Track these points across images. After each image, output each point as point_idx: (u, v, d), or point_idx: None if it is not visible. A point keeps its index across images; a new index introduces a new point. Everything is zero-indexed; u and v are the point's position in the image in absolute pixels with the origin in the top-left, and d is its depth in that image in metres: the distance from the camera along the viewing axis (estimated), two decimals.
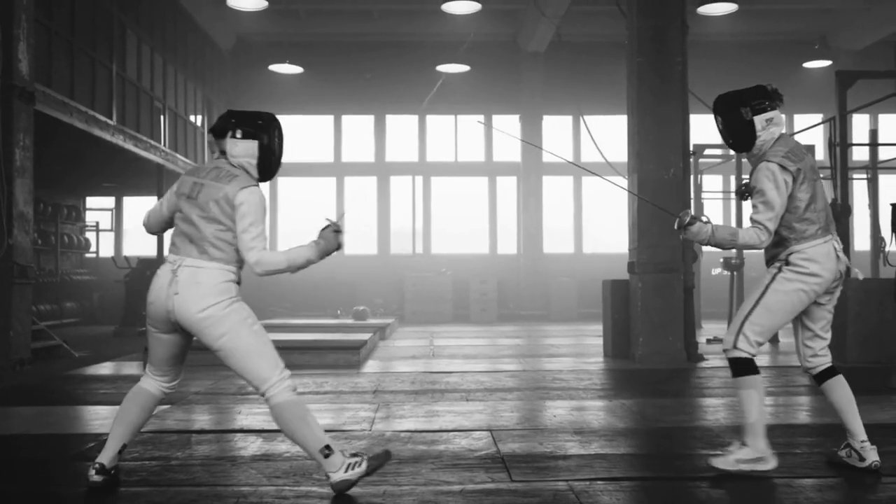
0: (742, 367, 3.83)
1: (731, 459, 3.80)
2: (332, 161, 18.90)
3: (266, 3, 14.18)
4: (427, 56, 17.97)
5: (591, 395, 6.34)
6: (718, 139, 17.81)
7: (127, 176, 14.63)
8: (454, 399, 6.14)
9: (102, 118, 11.06)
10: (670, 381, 7.19)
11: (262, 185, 3.68)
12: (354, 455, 3.55)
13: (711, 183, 17.14)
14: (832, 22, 17.76)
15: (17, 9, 8.23)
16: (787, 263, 3.82)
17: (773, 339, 10.78)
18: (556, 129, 18.89)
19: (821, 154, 16.10)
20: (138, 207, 18.66)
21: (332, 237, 3.60)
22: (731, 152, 13.25)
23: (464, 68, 17.83)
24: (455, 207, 19.03)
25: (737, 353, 3.84)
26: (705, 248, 14.03)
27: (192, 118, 15.97)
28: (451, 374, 7.67)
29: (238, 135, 3.62)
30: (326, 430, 4.83)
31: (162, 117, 14.04)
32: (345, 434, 4.78)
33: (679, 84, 8.79)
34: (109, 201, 18.72)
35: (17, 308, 8.08)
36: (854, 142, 15.23)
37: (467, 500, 3.42)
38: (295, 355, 8.42)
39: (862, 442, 3.82)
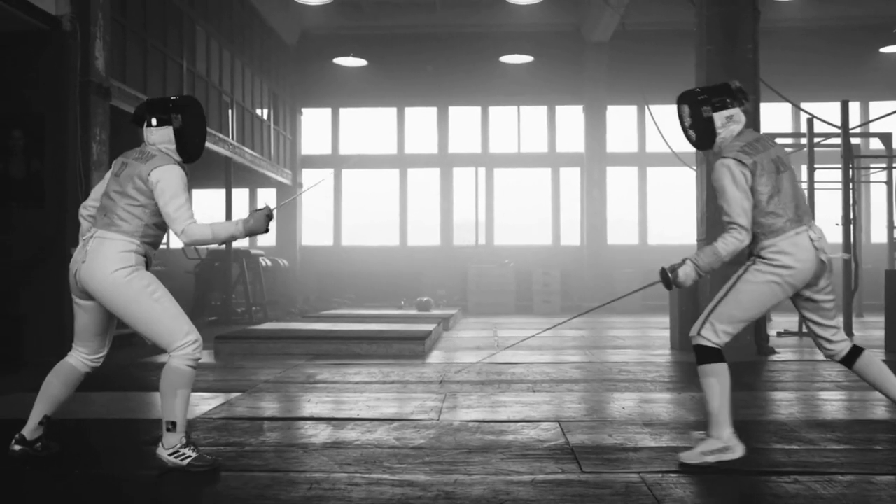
0: (706, 355, 3.84)
1: (696, 453, 3.80)
2: (396, 153, 19.01)
3: None
4: (490, 47, 17.94)
5: (660, 388, 6.26)
6: (790, 127, 17.42)
7: (195, 168, 14.83)
8: (520, 390, 6.12)
9: None
10: (741, 374, 7.02)
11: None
12: (190, 447, 3.69)
13: None
14: None
15: (94, 8, 8.48)
16: (760, 257, 3.79)
17: (848, 333, 10.48)
18: (620, 119, 18.66)
19: None
20: (207, 200, 19.09)
21: (262, 219, 3.79)
22: (803, 140, 12.89)
23: (527, 59, 17.74)
24: (518, 198, 18.97)
25: (701, 341, 3.84)
26: None
27: (258, 112, 16.24)
28: (516, 364, 7.65)
29: (153, 122, 3.80)
30: (393, 419, 4.90)
31: (230, 111, 14.32)
32: (413, 423, 4.81)
33: (750, 72, 8.57)
34: None
35: None
36: None
37: (538, 490, 3.41)
38: (362, 345, 8.52)
39: None
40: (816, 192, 11.63)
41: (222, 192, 14.42)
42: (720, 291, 3.91)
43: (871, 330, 11.15)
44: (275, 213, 3.85)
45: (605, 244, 18.04)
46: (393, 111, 19.04)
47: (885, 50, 17.61)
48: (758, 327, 8.35)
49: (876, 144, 15.61)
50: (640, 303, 16.85)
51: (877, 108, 17.75)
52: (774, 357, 8.13)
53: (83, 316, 3.87)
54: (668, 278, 3.92)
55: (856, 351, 3.88)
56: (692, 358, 7.87)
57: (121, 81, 9.68)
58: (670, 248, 17.55)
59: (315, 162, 19.19)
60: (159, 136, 3.80)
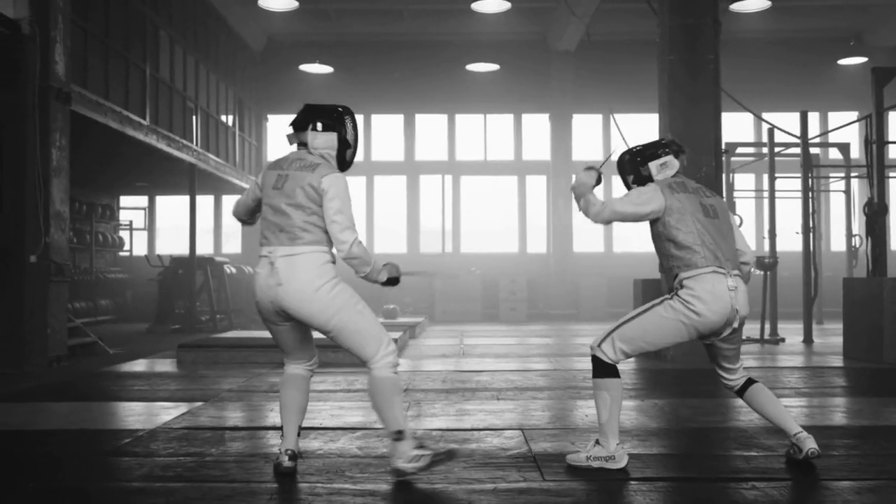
0: (602, 368, 3.97)
1: (581, 456, 3.93)
2: (362, 160, 18.96)
3: (296, 4, 14.28)
4: (456, 55, 18.00)
5: (623, 395, 6.29)
6: (751, 137, 17.68)
7: (160, 175, 14.81)
8: (485, 398, 6.13)
9: (136, 118, 11.21)
10: (703, 381, 7.11)
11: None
12: (421, 447, 3.66)
13: (744, 182, 16.98)
14: (868, 18, 17.50)
15: (54, 11, 8.36)
16: (678, 295, 3.89)
17: (808, 340, 10.64)
18: (585, 128, 18.81)
19: (856, 152, 15.87)
20: (171, 206, 18.88)
21: (393, 271, 3.78)
22: (764, 150, 13.09)
23: (493, 67, 17.82)
24: (485, 206, 19.03)
25: (598, 354, 3.98)
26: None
27: (223, 118, 16.12)
28: (481, 372, 7.67)
29: (318, 127, 3.79)
30: (357, 428, 4.89)
31: (194, 117, 14.19)
32: (376, 432, 4.80)
33: (711, 82, 8.70)
34: (143, 200, 18.97)
35: (54, 305, 8.21)
36: (891, 139, 14.99)
37: (500, 498, 3.41)
38: (327, 353, 8.45)
39: (796, 435, 3.93)
40: (777, 202, 11.81)
41: (186, 198, 14.29)
42: (631, 312, 4.03)
43: (829, 336, 11.34)
44: (400, 280, 3.85)
45: (570, 252, 18.15)
46: (359, 118, 18.96)
47: (843, 62, 17.96)
48: None
49: (835, 154, 15.90)
50: (606, 310, 16.98)
51: (835, 118, 18.10)
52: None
53: (284, 336, 3.82)
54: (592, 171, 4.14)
55: (748, 382, 4.08)
56: (656, 365, 7.99)
57: (81, 86, 9.55)
58: (635, 256, 17.74)
59: None
60: (324, 141, 3.77)
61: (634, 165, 4.13)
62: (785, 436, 4.04)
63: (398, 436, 3.63)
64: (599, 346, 3.98)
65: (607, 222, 4.04)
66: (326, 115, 3.80)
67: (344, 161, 3.84)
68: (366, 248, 3.67)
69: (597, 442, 3.94)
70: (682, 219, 3.88)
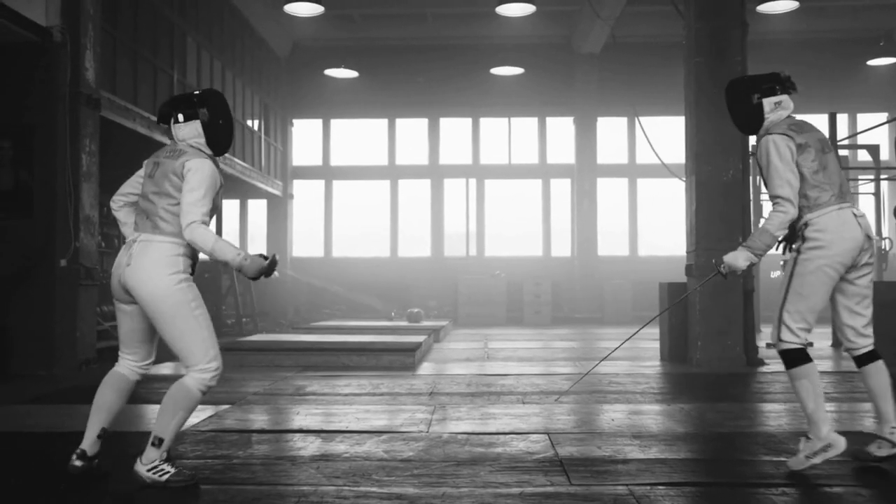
0: (792, 358, 3.86)
1: (800, 458, 3.83)
2: (387, 164, 19.04)
3: (322, 9, 14.34)
4: (481, 59, 18.00)
5: (649, 399, 6.26)
6: None
7: None
8: (510, 402, 6.12)
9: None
10: (730, 385, 7.06)
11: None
12: (169, 462, 3.63)
13: None
14: None
15: (84, 18, 8.47)
16: (804, 240, 3.81)
17: (836, 343, 10.52)
18: (610, 131, 18.74)
19: (886, 154, 15.66)
20: None
21: (257, 264, 3.65)
22: None
23: (518, 71, 17.81)
24: (509, 210, 19.01)
25: (784, 346, 3.87)
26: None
27: (249, 123, 16.24)
28: (506, 376, 7.65)
29: (180, 119, 3.80)
30: (382, 432, 4.89)
31: None
32: (402, 435, 4.80)
33: None
34: None
35: (83, 309, 8.31)
36: None
37: (526, 502, 3.40)
38: (352, 357, 8.50)
39: (892, 427, 3.87)
40: None
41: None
42: (780, 293, 3.92)
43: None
44: (275, 274, 3.74)
45: (595, 255, 18.07)
46: (384, 122, 19.07)
47: (872, 62, 17.74)
48: (746, 338, 8.37)
49: (864, 156, 15.69)
50: (631, 314, 16.88)
51: (864, 119, 17.88)
52: (763, 368, 8.14)
53: (128, 321, 3.78)
54: (723, 264, 3.97)
55: (873, 355, 3.94)
56: (682, 369, 7.93)
57: (111, 92, 9.67)
58: (660, 260, 17.62)
59: (306, 173, 19.18)
60: (188, 132, 3.79)
61: (748, 94, 3.99)
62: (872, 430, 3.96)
63: (157, 442, 3.60)
64: (780, 338, 3.87)
65: (795, 202, 3.77)
66: (186, 105, 3.80)
67: (217, 144, 3.83)
68: (208, 231, 3.58)
69: (807, 437, 3.85)
70: (808, 156, 3.83)
